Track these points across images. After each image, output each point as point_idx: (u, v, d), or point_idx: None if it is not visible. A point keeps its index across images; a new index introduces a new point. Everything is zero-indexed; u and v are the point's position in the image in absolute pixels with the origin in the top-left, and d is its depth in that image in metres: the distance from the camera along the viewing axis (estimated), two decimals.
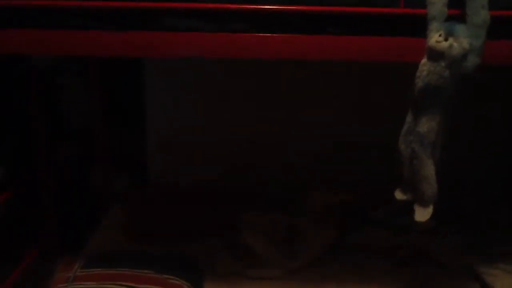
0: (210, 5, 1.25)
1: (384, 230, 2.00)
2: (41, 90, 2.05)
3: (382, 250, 1.89)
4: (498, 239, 1.87)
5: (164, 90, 2.33)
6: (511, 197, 2.18)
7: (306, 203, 2.14)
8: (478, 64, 1.19)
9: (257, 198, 2.18)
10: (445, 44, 1.16)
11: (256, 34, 1.27)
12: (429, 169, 1.25)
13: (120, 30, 1.29)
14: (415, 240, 1.92)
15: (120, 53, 1.34)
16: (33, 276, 1.87)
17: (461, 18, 1.18)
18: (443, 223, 1.89)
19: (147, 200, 2.23)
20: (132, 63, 2.30)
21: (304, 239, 1.92)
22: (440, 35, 1.16)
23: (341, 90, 2.27)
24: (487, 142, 2.27)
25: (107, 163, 2.41)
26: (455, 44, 1.16)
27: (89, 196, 2.39)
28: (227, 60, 1.88)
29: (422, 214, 1.27)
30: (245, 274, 1.74)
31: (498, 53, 1.23)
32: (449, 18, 1.18)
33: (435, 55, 1.18)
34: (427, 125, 1.23)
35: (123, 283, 1.49)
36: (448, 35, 1.16)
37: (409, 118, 1.28)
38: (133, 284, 1.49)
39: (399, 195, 1.35)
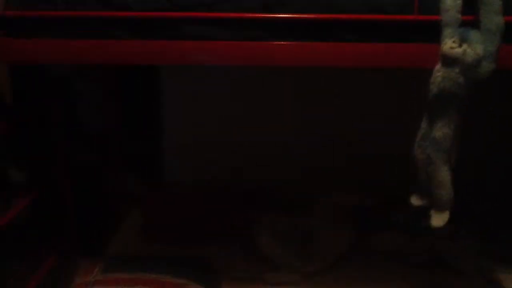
0: (226, 14, 1.27)
1: (401, 234, 1.99)
2: (60, 96, 2.09)
3: (399, 254, 1.89)
4: None
5: (180, 94, 2.35)
6: None
7: (323, 206, 2.14)
8: (492, 69, 1.19)
9: (273, 200, 2.19)
10: (459, 50, 1.16)
11: (271, 42, 1.29)
12: (445, 175, 1.25)
13: (137, 39, 1.31)
14: (432, 244, 1.92)
15: (137, 61, 1.38)
16: (53, 279, 1.90)
17: (475, 24, 1.19)
18: (461, 227, 1.88)
19: (164, 202, 2.25)
20: (149, 69, 2.32)
21: (320, 242, 1.92)
22: (454, 41, 1.17)
23: (358, 93, 2.27)
24: (506, 146, 2.25)
25: (124, 165, 2.44)
26: (469, 50, 1.16)
27: (107, 199, 2.42)
28: (243, 68, 1.90)
29: (439, 220, 1.27)
30: (261, 278, 1.75)
31: None
32: (463, 24, 1.19)
33: (449, 61, 1.18)
34: (442, 131, 1.23)
35: (141, 287, 1.50)
36: (462, 41, 1.17)
37: (424, 123, 1.28)
38: None
39: (415, 200, 1.35)
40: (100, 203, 2.38)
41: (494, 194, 2.16)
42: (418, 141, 1.29)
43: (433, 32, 1.20)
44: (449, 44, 1.17)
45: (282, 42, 1.28)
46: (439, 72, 1.20)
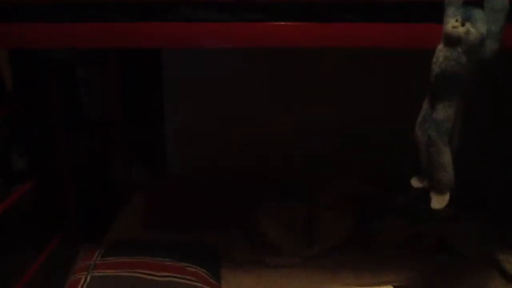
0: None
1: (403, 219, 1.98)
2: (61, 82, 2.09)
3: (401, 238, 1.88)
4: None
5: (182, 82, 2.34)
6: None
7: (324, 192, 2.13)
8: (496, 49, 1.17)
9: (275, 187, 2.18)
10: (462, 30, 1.14)
11: (272, 23, 1.27)
12: (446, 157, 1.23)
13: (136, 21, 1.30)
14: (434, 228, 1.91)
15: (135, 44, 1.36)
16: (55, 263, 1.91)
17: (479, 3, 1.16)
18: (463, 210, 1.87)
19: (166, 189, 2.25)
20: (150, 56, 2.32)
21: (322, 228, 1.92)
22: (456, 21, 1.14)
23: (359, 78, 2.26)
24: (507, 127, 2.23)
25: (126, 153, 2.44)
26: (472, 30, 1.14)
27: (109, 185, 2.42)
28: (242, 52, 1.89)
29: (439, 202, 1.26)
30: (263, 262, 1.76)
31: None
32: (466, 3, 1.16)
33: (452, 41, 1.15)
34: (443, 112, 1.21)
35: (142, 271, 1.50)
36: (465, 20, 1.14)
37: (425, 105, 1.26)
38: (152, 272, 1.51)
39: (415, 182, 1.34)
40: (101, 189, 2.39)
41: (498, 175, 2.15)
42: (420, 123, 1.27)
43: (436, 12, 1.18)
44: (452, 23, 1.15)
45: (282, 23, 1.26)
46: (441, 52, 1.18)
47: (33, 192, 2.16)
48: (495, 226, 1.87)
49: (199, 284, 1.51)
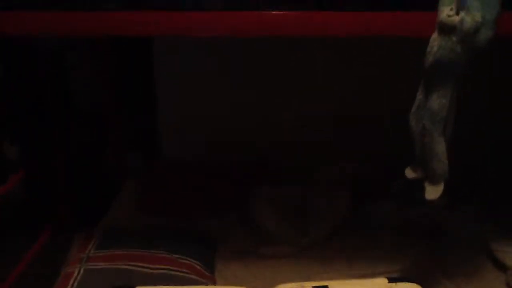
0: None
1: (397, 204, 1.98)
2: (52, 70, 2.06)
3: (395, 224, 1.88)
4: None
5: (175, 69, 2.32)
6: None
7: (319, 177, 2.13)
8: (491, 37, 1.15)
9: (270, 173, 2.18)
10: (456, 18, 1.12)
11: (266, 12, 1.24)
12: (440, 146, 1.22)
13: (129, 9, 1.28)
14: (428, 214, 1.90)
15: (127, 32, 1.34)
16: (49, 253, 1.91)
17: None
18: (457, 198, 1.88)
19: (160, 176, 2.24)
20: (142, 44, 2.29)
21: (316, 213, 1.91)
22: (451, 9, 1.12)
23: (354, 63, 2.24)
24: (501, 116, 2.24)
25: (120, 141, 2.43)
26: (466, 18, 1.12)
27: (103, 174, 2.41)
28: (237, 39, 1.87)
29: (433, 192, 1.25)
30: (257, 253, 1.75)
31: None
32: None
33: (446, 29, 1.13)
34: (438, 102, 1.20)
35: (136, 264, 1.50)
36: (459, 8, 1.12)
37: (420, 94, 1.25)
38: (145, 265, 1.50)
39: (409, 173, 1.33)
40: (95, 177, 2.38)
41: (492, 164, 2.15)
42: (414, 112, 1.26)
43: (430, 0, 1.16)
44: (446, 12, 1.12)
45: (277, 12, 1.24)
46: (435, 41, 1.16)
47: (26, 181, 2.14)
48: (490, 213, 1.87)
49: (194, 277, 1.51)
